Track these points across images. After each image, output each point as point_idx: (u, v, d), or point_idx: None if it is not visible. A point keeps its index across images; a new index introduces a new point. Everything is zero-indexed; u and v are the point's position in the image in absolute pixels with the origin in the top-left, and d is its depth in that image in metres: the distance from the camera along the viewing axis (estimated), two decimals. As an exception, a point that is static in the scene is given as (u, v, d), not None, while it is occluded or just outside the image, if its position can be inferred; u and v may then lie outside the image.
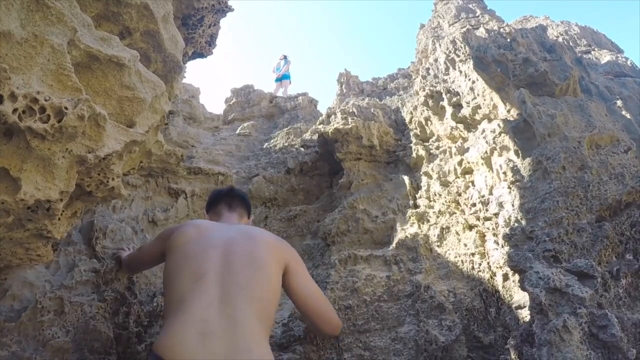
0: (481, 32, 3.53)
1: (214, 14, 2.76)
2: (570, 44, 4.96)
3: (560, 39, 4.86)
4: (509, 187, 2.53)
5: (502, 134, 2.72)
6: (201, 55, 2.77)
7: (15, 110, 1.21)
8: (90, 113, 1.30)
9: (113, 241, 2.59)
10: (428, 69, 3.88)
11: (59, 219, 1.45)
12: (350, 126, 3.59)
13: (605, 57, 4.66)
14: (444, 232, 2.94)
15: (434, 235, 2.97)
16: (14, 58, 1.23)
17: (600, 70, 4.29)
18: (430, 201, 3.16)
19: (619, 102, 3.37)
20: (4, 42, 1.19)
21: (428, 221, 3.07)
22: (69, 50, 1.36)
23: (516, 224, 2.36)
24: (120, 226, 2.71)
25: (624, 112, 3.30)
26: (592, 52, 4.87)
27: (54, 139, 1.27)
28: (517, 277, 2.29)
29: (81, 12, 1.45)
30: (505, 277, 2.45)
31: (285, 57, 9.72)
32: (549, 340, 1.79)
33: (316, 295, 1.95)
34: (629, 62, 4.55)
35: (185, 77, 3.97)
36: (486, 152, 2.78)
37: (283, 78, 9.38)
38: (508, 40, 3.19)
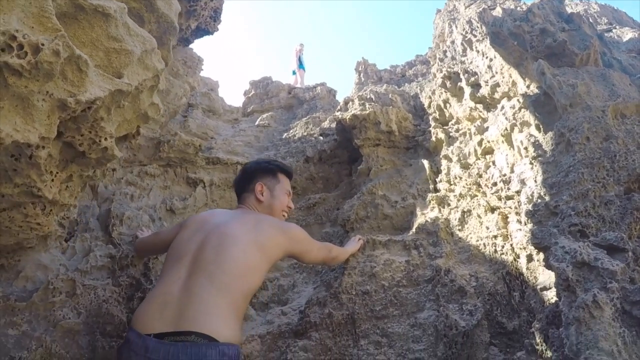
0: (497, 11, 3.40)
1: (216, -15, 2.69)
2: (591, 21, 4.77)
3: (581, 17, 4.68)
4: (531, 163, 2.41)
5: (522, 109, 2.59)
6: (207, 31, 2.72)
7: (-7, 47, 1.19)
8: (68, 53, 1.27)
9: (130, 228, 2.60)
10: (445, 51, 3.77)
11: (52, 180, 1.43)
12: (368, 112, 3.52)
13: (628, 34, 4.45)
14: (465, 216, 2.84)
15: (455, 219, 2.86)
16: (-7, -2, 1.20)
17: (623, 48, 4.10)
18: (451, 185, 3.06)
19: (646, 77, 3.19)
20: (-17, -19, 1.18)
21: (449, 205, 2.97)
22: (53, -1, 1.33)
23: (539, 200, 2.24)
24: (137, 213, 2.72)
25: (650, 87, 3.12)
26: (614, 30, 4.66)
27: (30, 76, 1.25)
28: (541, 256, 2.17)
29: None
30: (530, 259, 2.33)
31: (298, 51, 10.01)
32: (577, 318, 1.67)
33: (322, 258, 2.34)
34: (652, 40, 4.34)
35: (203, 70, 3.96)
36: (506, 129, 2.66)
37: (299, 68, 9.66)
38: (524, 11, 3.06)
